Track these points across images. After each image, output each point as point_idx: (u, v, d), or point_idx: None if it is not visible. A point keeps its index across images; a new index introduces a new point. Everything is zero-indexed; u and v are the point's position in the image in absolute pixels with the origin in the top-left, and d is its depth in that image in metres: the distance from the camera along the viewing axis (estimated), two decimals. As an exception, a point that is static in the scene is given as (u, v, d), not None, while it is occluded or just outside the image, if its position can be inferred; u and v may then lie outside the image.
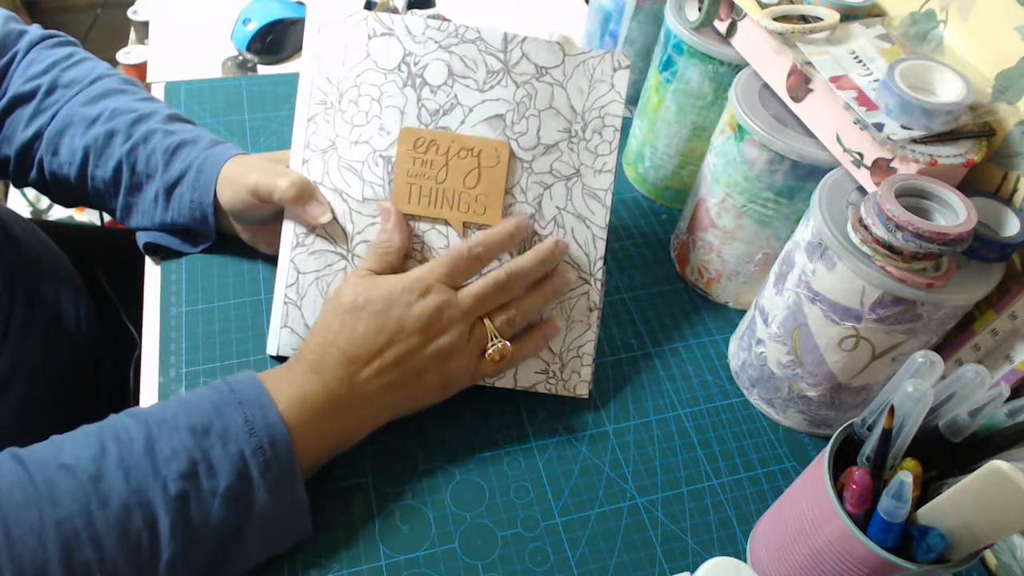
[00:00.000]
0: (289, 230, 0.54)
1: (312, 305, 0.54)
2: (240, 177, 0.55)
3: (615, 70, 0.55)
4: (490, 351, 0.52)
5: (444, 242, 0.54)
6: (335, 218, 0.53)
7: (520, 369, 0.55)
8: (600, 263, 0.56)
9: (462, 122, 0.54)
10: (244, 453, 0.43)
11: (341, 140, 0.53)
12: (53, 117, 0.60)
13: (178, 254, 0.63)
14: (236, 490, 0.43)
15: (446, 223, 0.54)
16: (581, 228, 0.55)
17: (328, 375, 0.48)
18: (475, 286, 0.51)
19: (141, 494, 0.40)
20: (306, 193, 0.52)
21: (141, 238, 0.62)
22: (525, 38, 0.54)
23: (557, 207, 0.55)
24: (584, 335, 0.56)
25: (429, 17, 0.55)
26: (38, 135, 0.61)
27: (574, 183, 0.55)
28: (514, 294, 0.53)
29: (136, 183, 0.60)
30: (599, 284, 0.56)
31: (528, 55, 0.54)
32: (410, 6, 0.56)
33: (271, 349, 0.56)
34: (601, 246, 0.56)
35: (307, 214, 0.53)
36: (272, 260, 0.64)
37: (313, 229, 0.54)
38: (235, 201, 0.56)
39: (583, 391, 0.57)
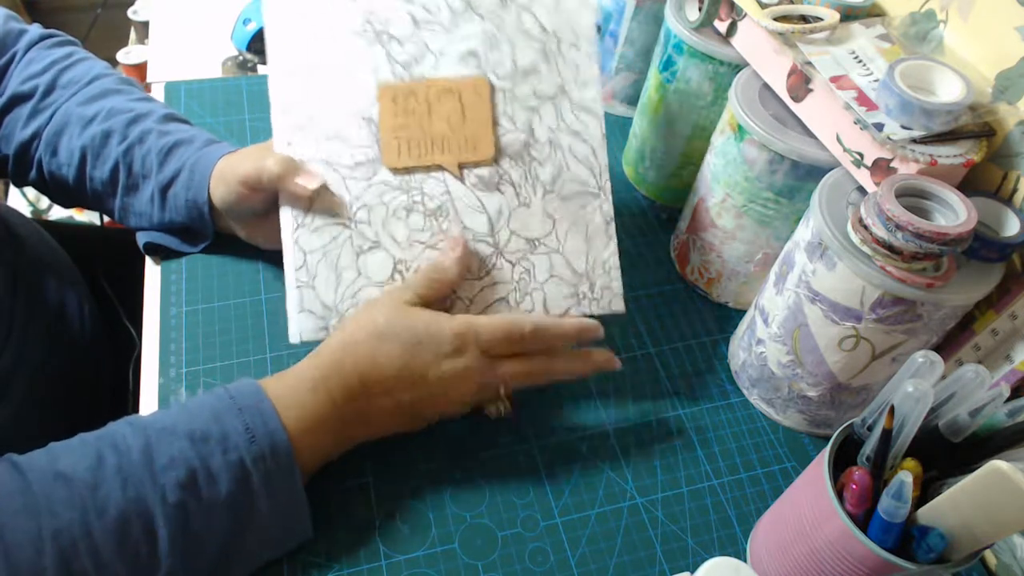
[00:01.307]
0: (287, 214, 0.53)
1: (325, 283, 0.52)
2: (230, 171, 0.55)
3: None
4: (491, 408, 0.52)
5: (443, 188, 0.53)
6: (331, 190, 0.52)
7: (549, 297, 0.54)
8: (605, 173, 0.55)
9: (435, 67, 0.53)
10: (244, 461, 0.43)
11: (319, 111, 0.53)
12: (51, 117, 0.60)
13: (178, 254, 0.63)
14: (237, 498, 0.43)
15: (440, 168, 0.53)
16: (578, 144, 0.55)
17: (335, 387, 0.47)
18: (512, 369, 0.50)
19: (139, 503, 0.40)
20: (291, 167, 0.52)
21: (141, 238, 0.62)
22: None
23: (549, 128, 0.54)
24: (606, 248, 0.55)
25: None
26: (36, 135, 0.61)
27: (561, 101, 0.54)
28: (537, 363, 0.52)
29: (132, 184, 0.60)
30: (608, 195, 0.55)
31: None
32: None
33: (293, 337, 0.53)
34: (603, 156, 0.55)
35: (297, 187, 0.51)
36: (272, 259, 0.64)
37: (310, 205, 0.53)
38: (228, 196, 0.56)
39: (619, 305, 0.55)
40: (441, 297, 0.51)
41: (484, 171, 0.54)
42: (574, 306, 0.54)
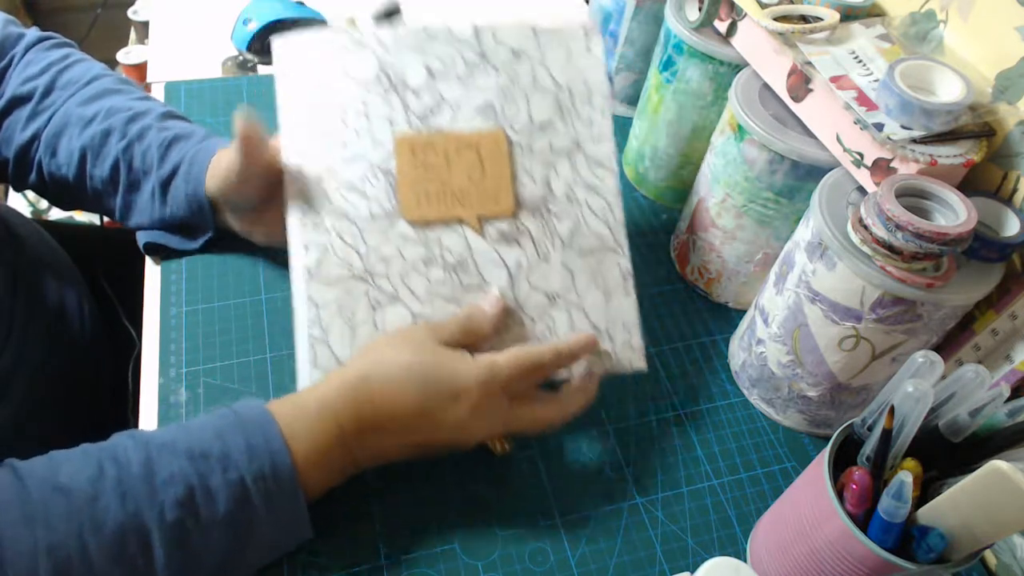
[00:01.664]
0: (299, 264, 0.51)
1: (339, 339, 0.51)
2: (219, 162, 0.56)
3: (588, 36, 0.55)
4: (495, 445, 0.52)
5: (463, 242, 0.52)
6: (346, 242, 0.51)
7: None
8: (623, 229, 0.55)
9: (453, 118, 0.53)
10: (245, 479, 0.42)
11: (335, 162, 0.52)
12: (50, 119, 0.60)
13: (179, 253, 0.63)
14: (235, 517, 0.42)
15: (461, 222, 0.53)
16: (595, 199, 0.54)
17: (344, 414, 0.46)
18: (529, 416, 0.50)
19: (137, 519, 0.40)
20: (254, 131, 0.51)
21: (141, 238, 0.62)
22: (495, 29, 0.54)
23: (566, 183, 0.54)
24: (624, 305, 0.54)
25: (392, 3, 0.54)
26: (36, 137, 0.61)
27: (576, 156, 0.55)
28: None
29: (133, 180, 0.60)
30: (625, 250, 0.55)
31: (501, 40, 0.54)
32: (378, 22, 0.55)
33: None
34: (619, 212, 0.55)
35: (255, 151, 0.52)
36: (273, 260, 0.64)
37: (324, 258, 0.51)
38: (221, 187, 0.56)
39: (640, 363, 0.54)
40: (470, 346, 0.50)
41: (504, 225, 0.53)
42: (596, 364, 0.53)
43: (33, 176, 0.62)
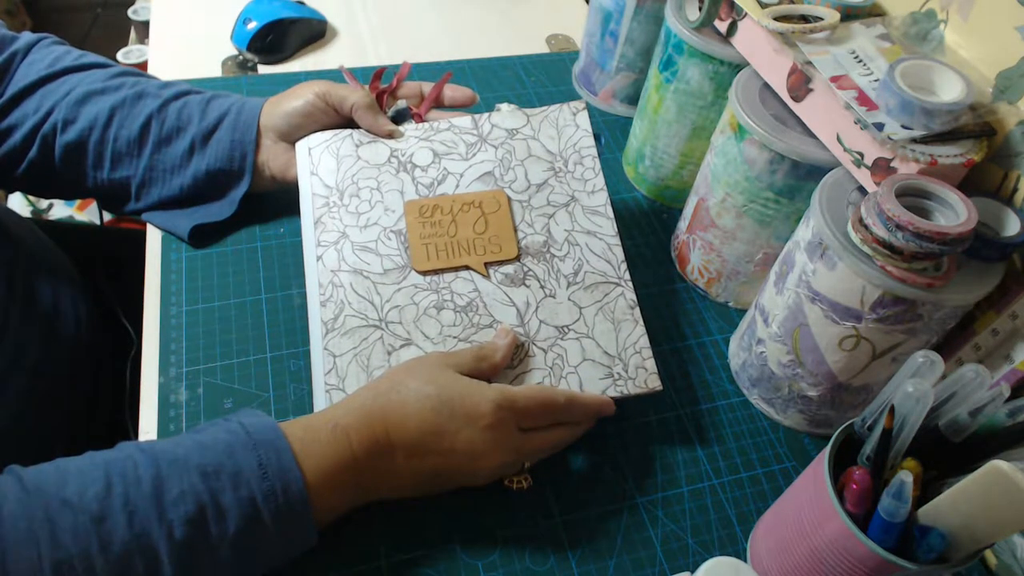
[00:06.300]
0: (316, 319, 0.54)
1: (355, 383, 0.52)
2: (298, 90, 0.61)
3: (575, 114, 0.62)
4: (513, 482, 0.51)
5: (471, 286, 0.55)
6: (361, 295, 0.54)
7: (584, 380, 0.54)
8: (624, 265, 0.58)
9: (456, 187, 0.59)
10: (256, 498, 0.42)
11: (351, 228, 0.57)
12: (68, 93, 0.61)
13: (197, 244, 0.64)
14: (245, 536, 0.42)
15: (467, 268, 0.56)
16: (594, 241, 0.58)
17: (355, 434, 0.46)
18: (540, 443, 0.51)
19: (144, 539, 0.39)
20: (375, 106, 0.60)
21: (184, 226, 0.63)
22: (490, 114, 0.62)
23: (565, 230, 0.58)
24: (634, 331, 0.56)
25: (400, 111, 0.63)
26: (50, 111, 0.61)
27: (573, 207, 0.59)
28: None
29: (165, 137, 0.62)
30: (630, 284, 0.57)
31: (497, 124, 0.61)
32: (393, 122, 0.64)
33: None
34: (619, 251, 0.58)
35: (377, 123, 0.59)
36: (272, 259, 0.64)
37: (340, 312, 0.54)
38: (295, 111, 0.61)
39: (656, 383, 0.54)
40: (480, 377, 0.51)
41: (509, 268, 0.57)
42: (611, 387, 0.54)
43: (34, 151, 0.62)
